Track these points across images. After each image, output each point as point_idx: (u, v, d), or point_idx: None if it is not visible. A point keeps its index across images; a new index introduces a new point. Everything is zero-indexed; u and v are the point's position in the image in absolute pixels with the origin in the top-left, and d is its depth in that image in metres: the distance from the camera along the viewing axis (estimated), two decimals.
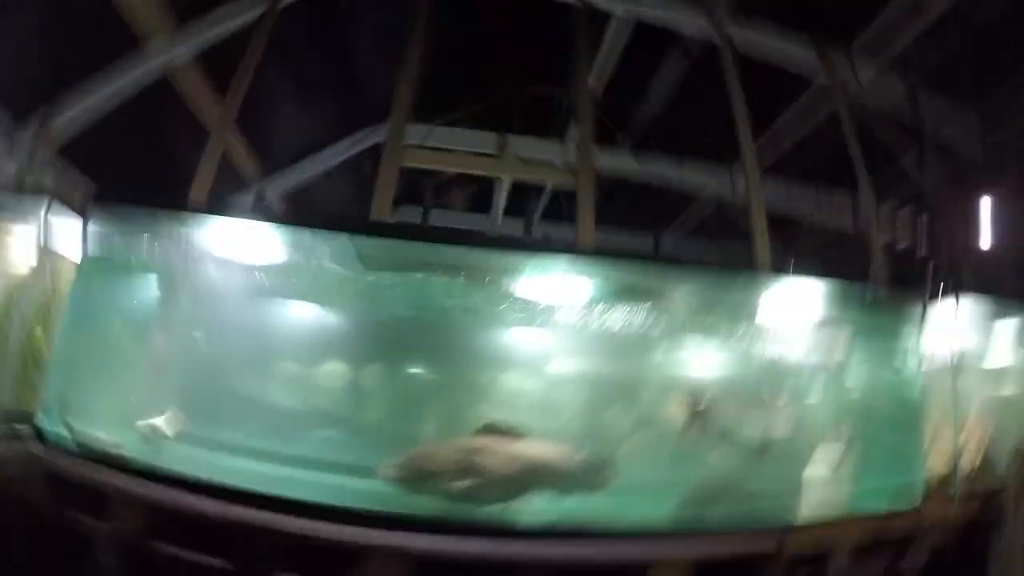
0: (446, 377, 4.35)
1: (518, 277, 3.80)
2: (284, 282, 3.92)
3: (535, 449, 3.66)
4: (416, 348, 4.36)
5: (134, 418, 3.82)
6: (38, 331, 3.61)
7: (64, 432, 3.17)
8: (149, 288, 4.08)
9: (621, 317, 4.09)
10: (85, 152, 7.23)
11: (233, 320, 4.10)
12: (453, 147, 7.74)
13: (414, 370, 4.44)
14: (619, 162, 8.82)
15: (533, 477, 3.60)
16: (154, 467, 3.02)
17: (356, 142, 9.22)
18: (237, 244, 3.55)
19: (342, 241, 3.51)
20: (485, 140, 7.99)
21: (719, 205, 8.48)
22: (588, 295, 3.99)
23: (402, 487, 3.34)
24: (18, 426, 3.35)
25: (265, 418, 3.99)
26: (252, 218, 3.59)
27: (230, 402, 3.99)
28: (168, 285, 4.17)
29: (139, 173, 7.80)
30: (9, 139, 6.92)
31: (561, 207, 8.29)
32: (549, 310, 4.11)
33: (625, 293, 3.95)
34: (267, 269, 3.75)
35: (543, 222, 9.61)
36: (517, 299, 3.97)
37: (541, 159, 7.69)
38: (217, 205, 3.62)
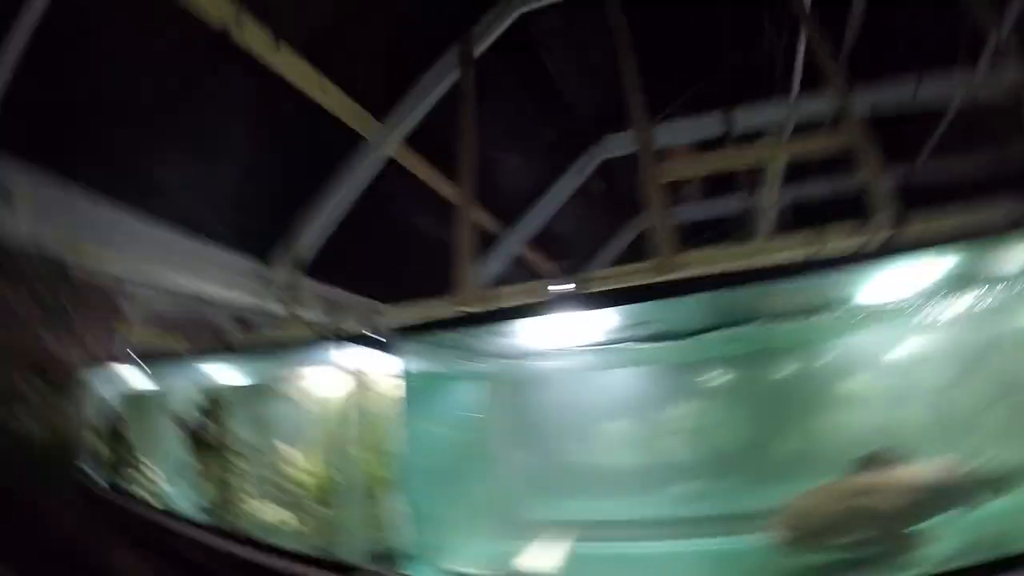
0: (807, 412, 3.69)
1: (862, 286, 3.08)
2: (612, 357, 3.56)
3: (924, 472, 2.94)
4: (766, 385, 3.77)
5: (503, 545, 3.67)
6: (370, 461, 3.59)
7: None
8: (478, 396, 3.99)
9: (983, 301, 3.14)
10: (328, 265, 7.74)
11: (576, 404, 3.87)
12: (680, 141, 7.21)
13: (770, 410, 3.83)
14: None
15: (930, 506, 2.88)
16: None
17: (581, 167, 9.02)
18: (558, 331, 3.25)
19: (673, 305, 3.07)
20: (709, 123, 7.38)
21: None
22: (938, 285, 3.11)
23: (790, 549, 2.76)
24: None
25: (633, 491, 3.65)
26: (576, 306, 3.21)
27: (602, 491, 3.74)
28: (501, 389, 4.07)
29: (387, 270, 8.45)
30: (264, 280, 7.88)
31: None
32: (900, 312, 3.30)
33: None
34: (594, 348, 3.41)
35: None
36: (863, 309, 3.22)
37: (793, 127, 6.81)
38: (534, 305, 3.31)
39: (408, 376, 3.27)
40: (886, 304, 3.30)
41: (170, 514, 4.88)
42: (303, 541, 3.80)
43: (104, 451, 5.82)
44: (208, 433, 4.44)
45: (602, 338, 3.31)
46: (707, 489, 3.63)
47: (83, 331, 7.02)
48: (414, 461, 3.11)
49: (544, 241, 9.46)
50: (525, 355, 3.44)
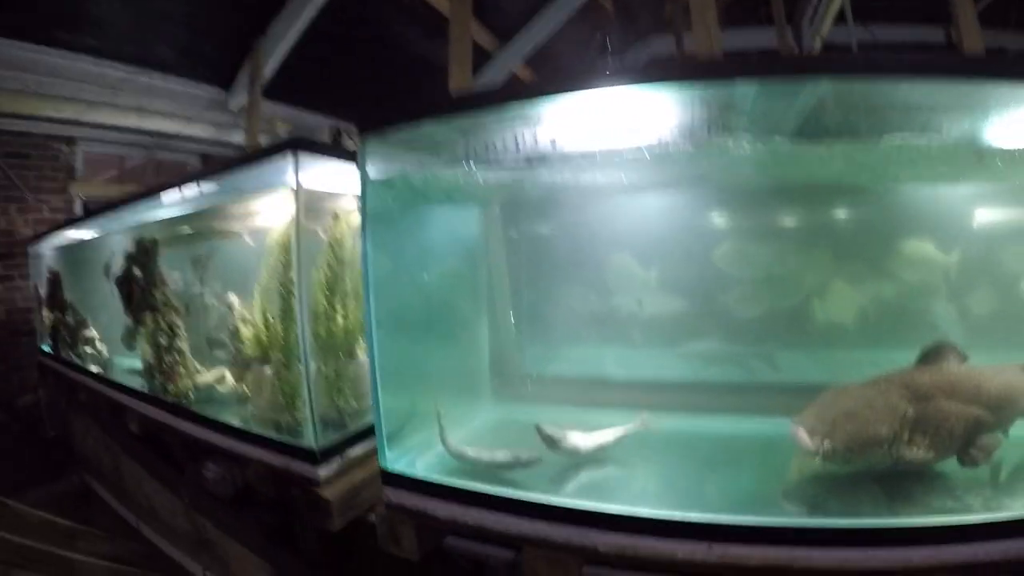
0: (879, 274, 2.68)
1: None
2: (655, 170, 2.54)
3: (1000, 375, 2.13)
4: (839, 232, 2.76)
5: (501, 410, 2.82)
6: (326, 307, 2.71)
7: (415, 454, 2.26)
8: (469, 224, 2.99)
9: None
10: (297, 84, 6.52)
11: (598, 237, 2.77)
12: None
13: (837, 265, 2.81)
14: None
15: (1007, 412, 2.10)
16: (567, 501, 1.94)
17: None
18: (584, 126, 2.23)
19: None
20: None
21: None
22: None
23: (832, 459, 1.91)
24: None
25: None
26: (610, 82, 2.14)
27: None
28: (501, 214, 3.06)
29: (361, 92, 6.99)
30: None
31: None
32: None
33: None
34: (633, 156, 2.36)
35: None
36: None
37: None
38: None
39: (376, 194, 2.32)
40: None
41: (110, 383, 4.19)
42: (245, 405, 3.01)
43: (50, 320, 5.15)
44: (139, 285, 3.62)
45: (654, 138, 2.30)
46: (746, 352, 2.73)
47: (30, 196, 6.31)
48: (384, 306, 2.20)
49: (541, 61, 7.94)
50: (536, 162, 2.45)
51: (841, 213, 2.76)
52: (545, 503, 1.93)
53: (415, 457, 2.26)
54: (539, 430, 2.32)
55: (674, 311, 2.83)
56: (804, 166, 2.46)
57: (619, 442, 2.35)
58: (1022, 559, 1.83)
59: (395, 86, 7.11)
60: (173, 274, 3.65)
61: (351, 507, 2.41)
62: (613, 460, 2.32)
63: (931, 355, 2.24)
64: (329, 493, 2.37)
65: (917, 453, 2.04)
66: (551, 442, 2.30)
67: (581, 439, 2.32)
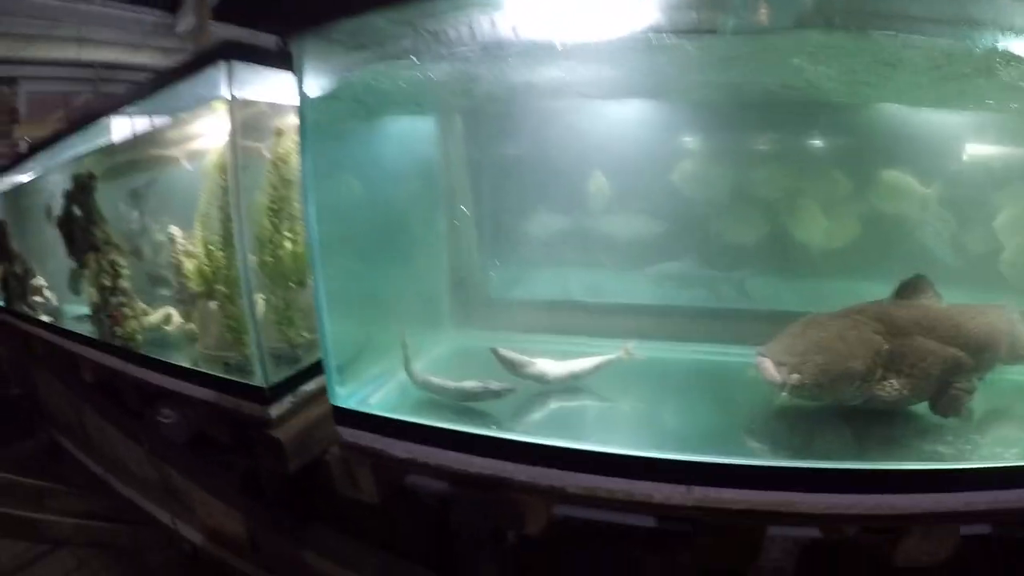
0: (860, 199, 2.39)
1: None
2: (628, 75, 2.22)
3: (982, 316, 1.97)
4: (825, 151, 2.45)
5: (461, 337, 2.58)
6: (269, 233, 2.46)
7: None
8: (423, 138, 2.64)
9: None
10: None
11: (565, 148, 2.43)
12: None
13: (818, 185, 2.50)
14: None
15: (987, 356, 1.94)
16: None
17: None
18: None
19: None
20: None
21: None
22: None
23: (799, 394, 1.80)
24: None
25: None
26: None
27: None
28: (460, 124, 2.73)
29: None
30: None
31: None
32: None
33: None
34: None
35: None
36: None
37: None
38: None
39: (317, 102, 2.01)
40: None
41: (61, 331, 3.95)
42: (194, 344, 2.75)
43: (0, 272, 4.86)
44: (79, 224, 3.33)
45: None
46: (718, 276, 2.50)
47: None
48: (329, 227, 1.92)
49: None
50: (496, 58, 2.14)
51: (816, 131, 2.48)
52: (509, 439, 1.72)
53: (371, 392, 2.04)
54: (496, 353, 2.11)
55: (646, 232, 2.56)
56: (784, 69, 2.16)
57: (596, 371, 2.14)
58: (1008, 509, 1.67)
59: None
60: (124, 209, 3.38)
61: (307, 447, 2.18)
62: (587, 391, 2.12)
63: (909, 289, 2.05)
64: (281, 433, 2.13)
65: (891, 392, 1.85)
66: (511, 366, 2.09)
67: (550, 366, 2.11)
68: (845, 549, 1.82)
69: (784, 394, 1.82)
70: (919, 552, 1.76)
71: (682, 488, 1.59)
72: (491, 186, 2.69)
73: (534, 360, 2.09)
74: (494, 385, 1.99)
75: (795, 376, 1.81)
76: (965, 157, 2.41)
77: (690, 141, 2.58)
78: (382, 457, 1.83)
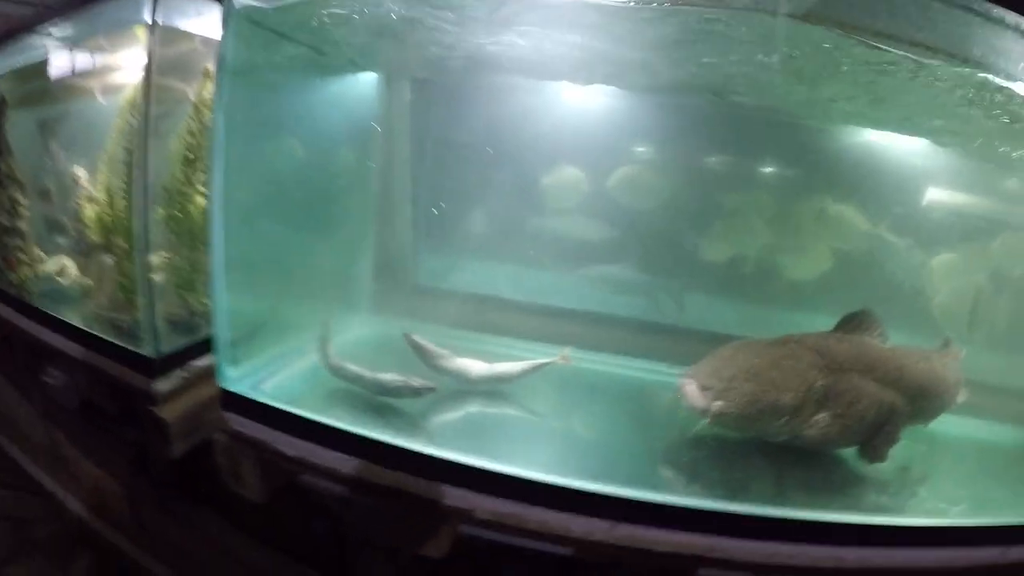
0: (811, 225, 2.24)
1: None
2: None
3: (925, 361, 1.85)
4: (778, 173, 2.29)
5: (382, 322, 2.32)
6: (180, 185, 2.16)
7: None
8: (363, 99, 2.34)
9: None
10: None
11: (517, 128, 2.18)
12: None
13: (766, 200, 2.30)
14: None
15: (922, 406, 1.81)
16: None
17: None
18: None
19: None
20: None
21: None
22: None
23: (722, 423, 1.66)
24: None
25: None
26: None
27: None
28: (406, 90, 2.45)
29: None
30: None
31: None
32: None
33: None
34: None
35: None
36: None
37: None
38: None
39: (246, 37, 1.74)
40: None
41: None
42: (89, 301, 2.47)
43: None
44: None
45: None
46: (651, 285, 2.31)
47: None
48: (238, 183, 1.64)
49: None
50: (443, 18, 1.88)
51: (773, 152, 2.31)
52: (411, 450, 1.49)
53: (267, 376, 1.79)
54: (408, 340, 1.90)
55: (593, 232, 2.36)
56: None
57: (523, 376, 1.93)
58: (957, 568, 1.53)
59: None
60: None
61: (197, 429, 1.93)
62: (509, 399, 1.91)
63: (853, 322, 1.88)
64: (167, 412, 1.87)
65: (820, 431, 1.66)
66: (424, 356, 1.89)
67: (473, 364, 1.90)
68: None
69: (705, 421, 1.65)
70: None
71: (604, 524, 1.41)
72: (434, 165, 2.42)
73: (453, 355, 1.88)
74: (415, 382, 1.76)
75: (719, 403, 1.63)
76: (915, 197, 2.28)
77: (646, 141, 2.35)
78: (269, 452, 1.58)
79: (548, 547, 1.41)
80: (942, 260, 2.28)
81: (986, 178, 2.27)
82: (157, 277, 2.15)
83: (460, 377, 1.89)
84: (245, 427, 1.63)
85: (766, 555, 1.47)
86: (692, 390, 1.67)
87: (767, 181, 2.37)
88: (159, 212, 2.15)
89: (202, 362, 2.01)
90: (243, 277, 1.68)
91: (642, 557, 1.41)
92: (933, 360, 1.90)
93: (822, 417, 1.66)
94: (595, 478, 1.45)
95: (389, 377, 1.78)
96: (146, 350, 1.92)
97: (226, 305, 1.64)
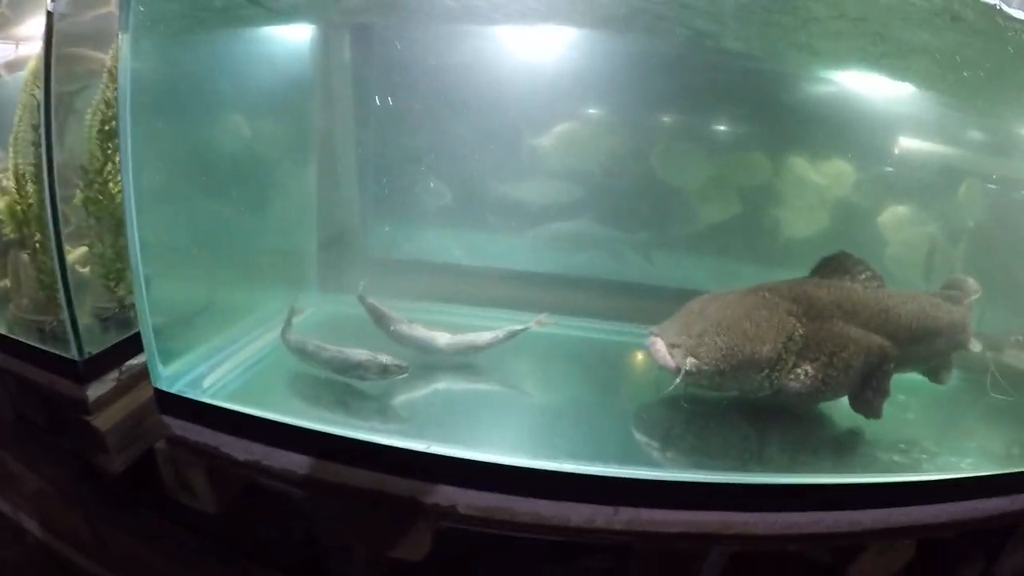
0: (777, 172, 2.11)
1: None
2: None
3: (913, 302, 1.70)
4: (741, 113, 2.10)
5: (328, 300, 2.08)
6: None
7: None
8: (297, 58, 2.05)
9: None
10: None
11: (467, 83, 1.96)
12: None
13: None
14: None
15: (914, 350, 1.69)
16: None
17: None
18: None
19: None
20: None
21: None
22: None
23: (696, 382, 1.51)
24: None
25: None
26: None
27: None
28: (346, 45, 2.16)
29: None
30: None
31: None
32: None
33: None
34: None
35: None
36: None
37: None
38: None
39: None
40: None
41: None
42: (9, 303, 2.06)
43: None
44: None
45: None
46: (616, 240, 2.15)
47: None
48: (154, 157, 1.38)
49: None
50: None
51: (737, 104, 2.13)
52: (380, 444, 1.28)
53: (207, 372, 1.55)
54: (363, 302, 1.72)
55: (562, 194, 2.17)
56: None
57: (497, 344, 1.75)
58: (972, 519, 1.44)
59: None
60: None
61: (139, 436, 1.71)
62: (483, 372, 1.73)
63: (830, 266, 1.73)
64: (102, 420, 1.64)
65: (804, 382, 1.52)
66: (381, 321, 1.71)
67: (439, 335, 1.72)
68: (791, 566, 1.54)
69: (678, 381, 1.49)
70: (875, 567, 1.50)
71: (608, 509, 1.25)
72: (381, 126, 2.14)
73: (415, 324, 1.70)
74: (384, 358, 1.55)
75: (691, 360, 1.48)
76: (871, 148, 2.17)
77: (607, 91, 2.11)
78: (217, 458, 1.38)
79: (544, 537, 1.24)
80: (893, 212, 2.19)
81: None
82: (80, 268, 1.92)
83: (425, 347, 1.70)
84: (188, 431, 1.41)
85: (785, 526, 1.33)
86: (661, 349, 1.52)
87: (734, 134, 2.19)
88: (77, 196, 1.90)
89: (139, 360, 1.76)
90: (167, 261, 1.45)
91: (652, 541, 1.26)
92: (922, 301, 1.75)
93: (805, 368, 1.53)
94: (586, 458, 1.28)
95: (356, 353, 1.57)
96: (71, 352, 1.67)
97: (151, 295, 1.38)
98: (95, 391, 1.68)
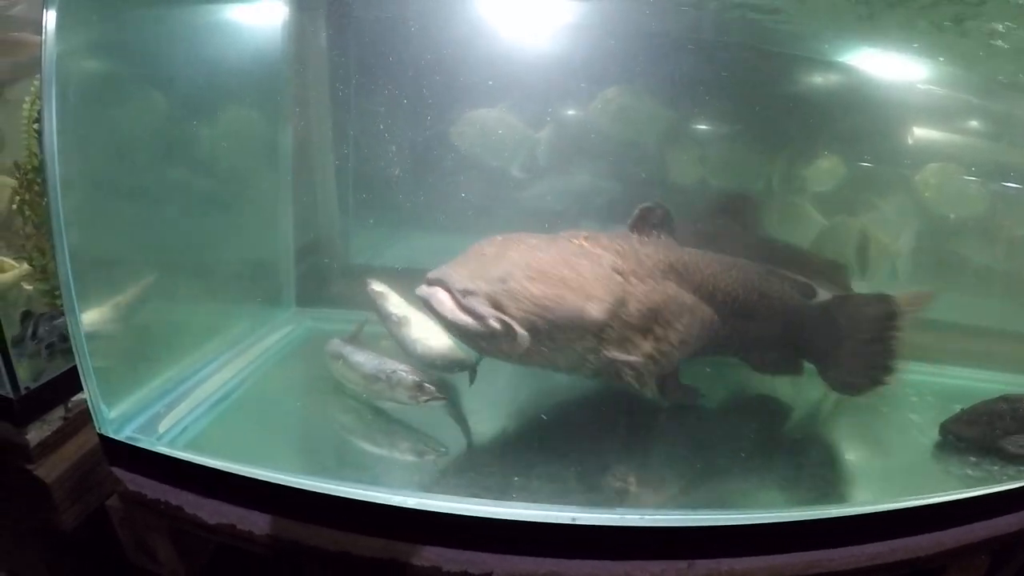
0: None
1: None
2: None
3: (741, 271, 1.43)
4: None
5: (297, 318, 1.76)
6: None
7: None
8: (262, 46, 1.72)
9: None
10: None
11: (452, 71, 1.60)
12: None
13: None
14: None
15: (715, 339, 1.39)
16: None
17: None
18: None
19: None
20: None
21: None
22: None
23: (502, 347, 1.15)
24: None
25: None
26: None
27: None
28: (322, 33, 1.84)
29: None
30: None
31: None
32: None
33: None
34: None
35: None
36: None
37: None
38: None
39: None
40: None
41: None
42: None
43: None
44: None
45: None
46: None
47: None
48: (91, 160, 1.09)
49: None
50: None
51: None
52: (392, 506, 0.98)
53: (166, 410, 1.23)
54: (370, 289, 1.42)
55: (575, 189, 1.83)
56: None
57: None
58: None
59: None
60: None
61: (90, 488, 1.44)
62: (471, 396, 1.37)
63: (651, 219, 1.37)
64: (46, 470, 1.33)
65: (637, 363, 1.16)
66: (385, 311, 1.39)
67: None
68: None
69: (475, 346, 1.15)
70: None
71: (681, 564, 0.99)
72: (365, 117, 1.78)
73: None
74: (417, 376, 1.25)
75: (493, 313, 1.08)
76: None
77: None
78: (181, 519, 1.08)
79: None
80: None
81: None
82: (27, 287, 1.63)
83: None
84: (144, 487, 1.10)
85: (868, 557, 1.07)
86: (444, 301, 1.11)
87: None
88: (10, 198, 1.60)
89: None
90: (110, 278, 1.15)
91: None
92: (749, 271, 1.42)
93: (639, 343, 1.17)
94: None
95: (405, 373, 1.25)
96: (6, 389, 1.38)
97: (88, 320, 1.08)
98: (37, 434, 1.34)
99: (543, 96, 1.75)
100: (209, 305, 1.35)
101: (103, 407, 1.09)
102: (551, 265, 1.13)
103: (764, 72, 1.75)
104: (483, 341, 1.10)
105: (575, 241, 1.23)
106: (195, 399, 1.27)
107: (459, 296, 1.09)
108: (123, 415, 1.15)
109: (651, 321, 1.17)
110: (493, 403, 1.36)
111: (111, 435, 1.11)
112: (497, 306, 1.08)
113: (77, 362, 1.09)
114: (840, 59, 1.81)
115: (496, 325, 1.05)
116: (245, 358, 1.42)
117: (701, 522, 0.98)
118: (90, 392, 1.10)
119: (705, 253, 1.35)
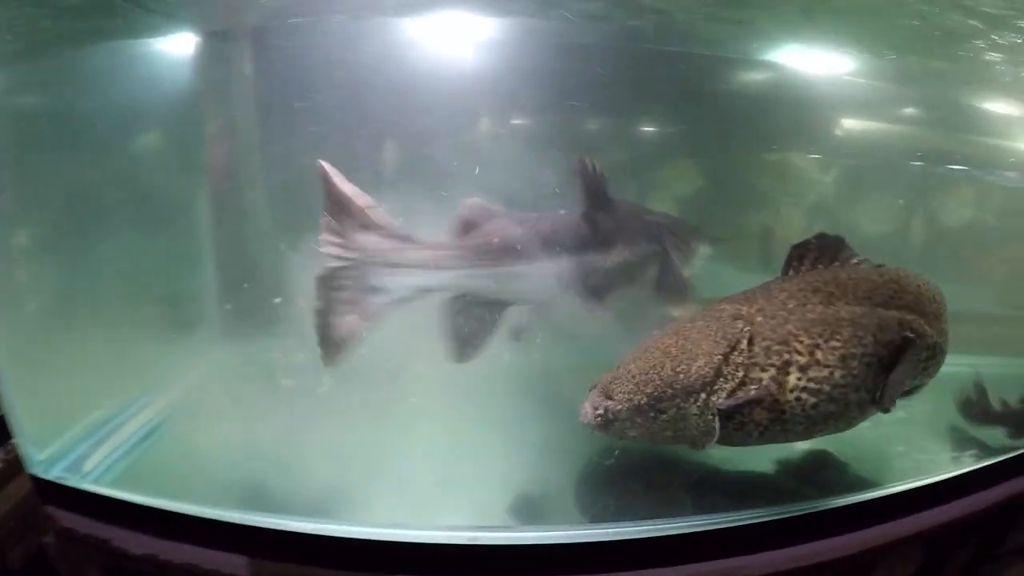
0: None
1: None
2: None
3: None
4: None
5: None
6: None
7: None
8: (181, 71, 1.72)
9: None
10: None
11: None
12: None
13: None
14: None
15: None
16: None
17: None
18: None
19: None
20: None
21: None
22: None
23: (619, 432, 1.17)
24: None
25: None
26: None
27: None
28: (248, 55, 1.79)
29: None
30: None
31: None
32: None
33: None
34: None
35: None
36: None
37: None
38: None
39: None
40: None
41: None
42: None
43: None
44: None
45: None
46: None
47: None
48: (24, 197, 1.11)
49: None
50: None
51: None
52: (286, 531, 1.01)
53: (91, 449, 1.24)
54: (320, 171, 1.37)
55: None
56: None
57: None
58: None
59: None
60: None
61: (33, 527, 1.47)
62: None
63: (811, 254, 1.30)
64: None
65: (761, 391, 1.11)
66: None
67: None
68: None
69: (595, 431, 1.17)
70: None
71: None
72: (291, 144, 1.73)
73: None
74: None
75: (604, 403, 1.15)
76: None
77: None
78: (111, 553, 1.11)
79: None
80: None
81: None
82: None
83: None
84: (75, 523, 1.13)
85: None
86: (584, 405, 1.19)
87: None
88: None
89: None
90: (20, 314, 1.17)
91: None
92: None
93: (791, 376, 1.11)
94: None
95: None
96: None
97: (10, 359, 1.12)
98: None
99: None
100: (130, 342, 1.36)
101: (30, 447, 1.11)
102: (657, 339, 1.18)
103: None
104: (606, 431, 1.16)
105: (707, 310, 1.23)
106: (118, 438, 1.28)
107: (592, 405, 1.16)
108: (52, 456, 1.17)
109: (788, 351, 1.13)
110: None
111: (41, 475, 1.13)
112: (608, 395, 1.15)
113: (3, 403, 1.12)
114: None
115: (600, 414, 1.13)
116: (167, 397, 1.42)
117: (612, 536, 1.02)
118: (16, 432, 1.12)
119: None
